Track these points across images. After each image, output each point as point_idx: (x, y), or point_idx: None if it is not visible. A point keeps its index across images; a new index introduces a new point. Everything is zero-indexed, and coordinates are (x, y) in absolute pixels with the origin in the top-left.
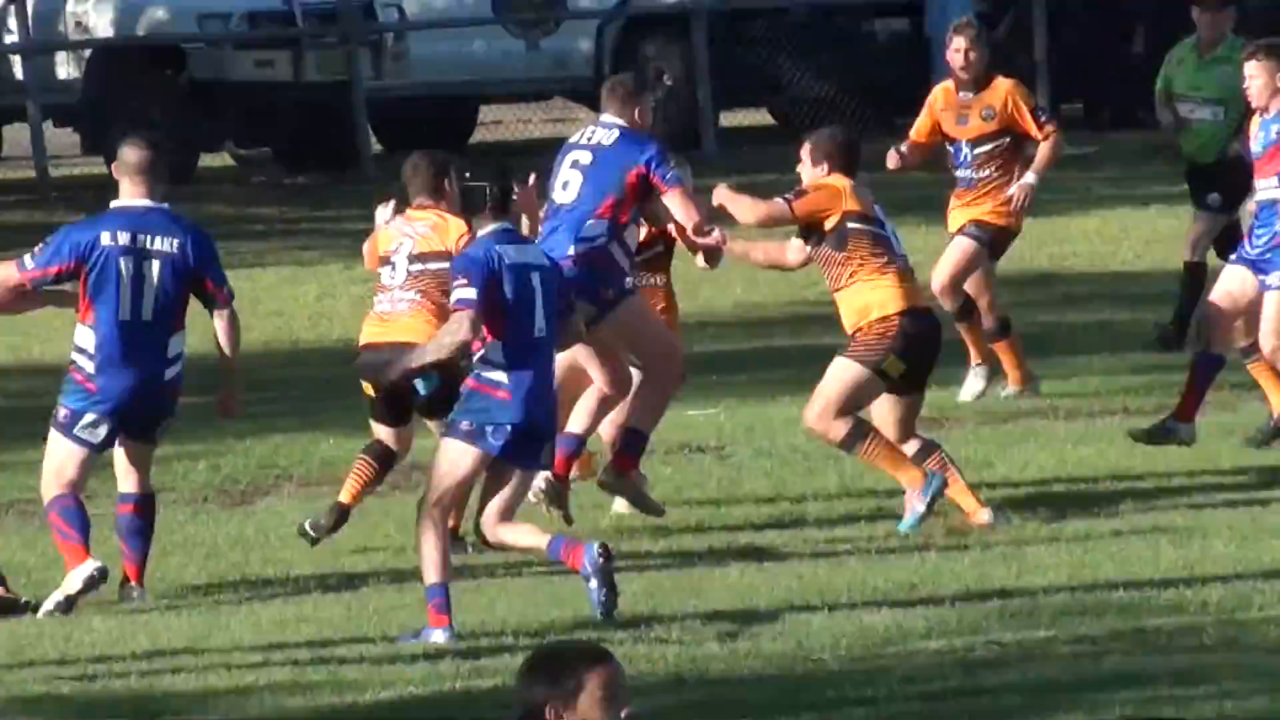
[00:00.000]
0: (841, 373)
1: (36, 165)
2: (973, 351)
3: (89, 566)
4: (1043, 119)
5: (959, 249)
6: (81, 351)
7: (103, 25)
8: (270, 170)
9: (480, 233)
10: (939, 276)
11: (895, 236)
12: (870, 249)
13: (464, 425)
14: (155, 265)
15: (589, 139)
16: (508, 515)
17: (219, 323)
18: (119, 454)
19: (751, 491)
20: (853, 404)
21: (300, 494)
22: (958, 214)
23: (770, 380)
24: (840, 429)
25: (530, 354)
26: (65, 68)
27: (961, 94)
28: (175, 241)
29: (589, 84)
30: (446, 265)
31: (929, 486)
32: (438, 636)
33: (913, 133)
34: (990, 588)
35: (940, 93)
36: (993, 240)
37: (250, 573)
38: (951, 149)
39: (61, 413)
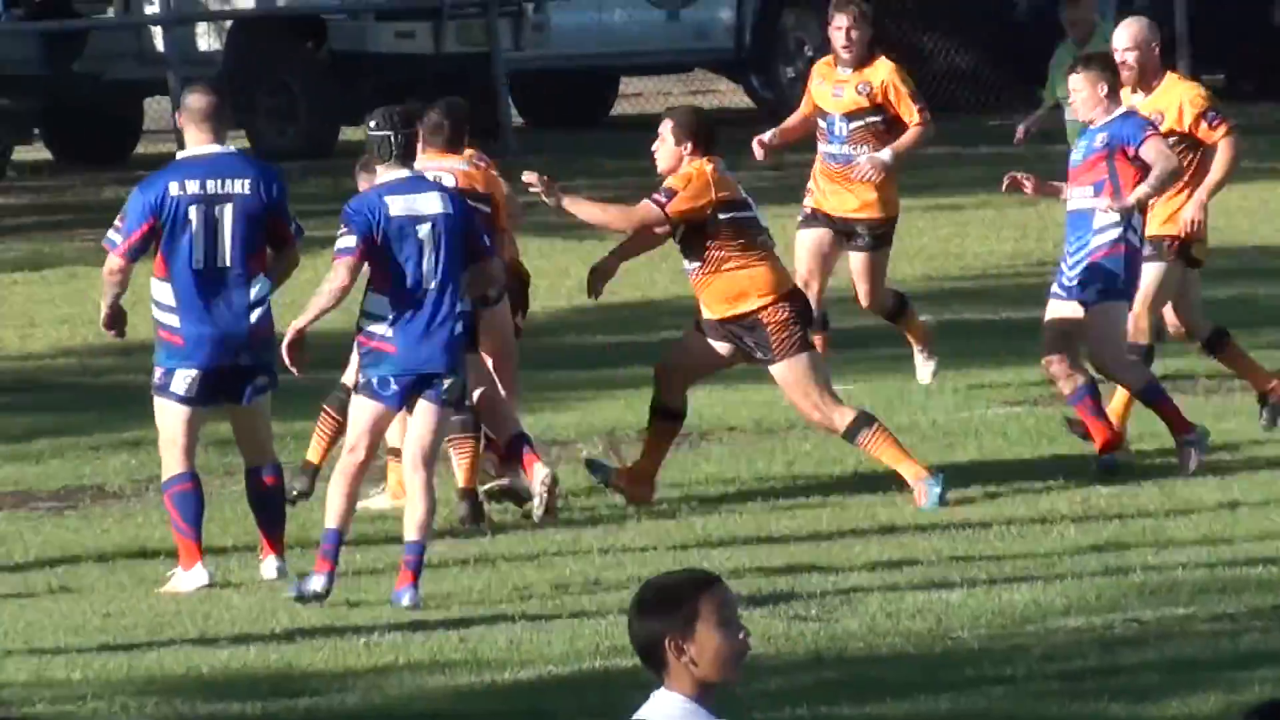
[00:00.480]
0: (794, 372)
1: (177, 139)
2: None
3: (199, 578)
4: (919, 105)
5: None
6: (162, 306)
7: None
8: None
9: (378, 180)
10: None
11: (758, 214)
12: (740, 234)
13: (361, 380)
14: (229, 209)
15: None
16: (427, 458)
17: (279, 263)
18: (235, 429)
19: (888, 467)
20: (825, 384)
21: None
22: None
23: (906, 355)
24: (844, 418)
25: (414, 305)
26: (206, 39)
27: (840, 69)
28: (246, 182)
29: (729, 55)
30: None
31: (935, 481)
32: (315, 583)
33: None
34: (1129, 564)
35: (819, 67)
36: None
37: (391, 551)
38: (824, 123)
39: (157, 374)
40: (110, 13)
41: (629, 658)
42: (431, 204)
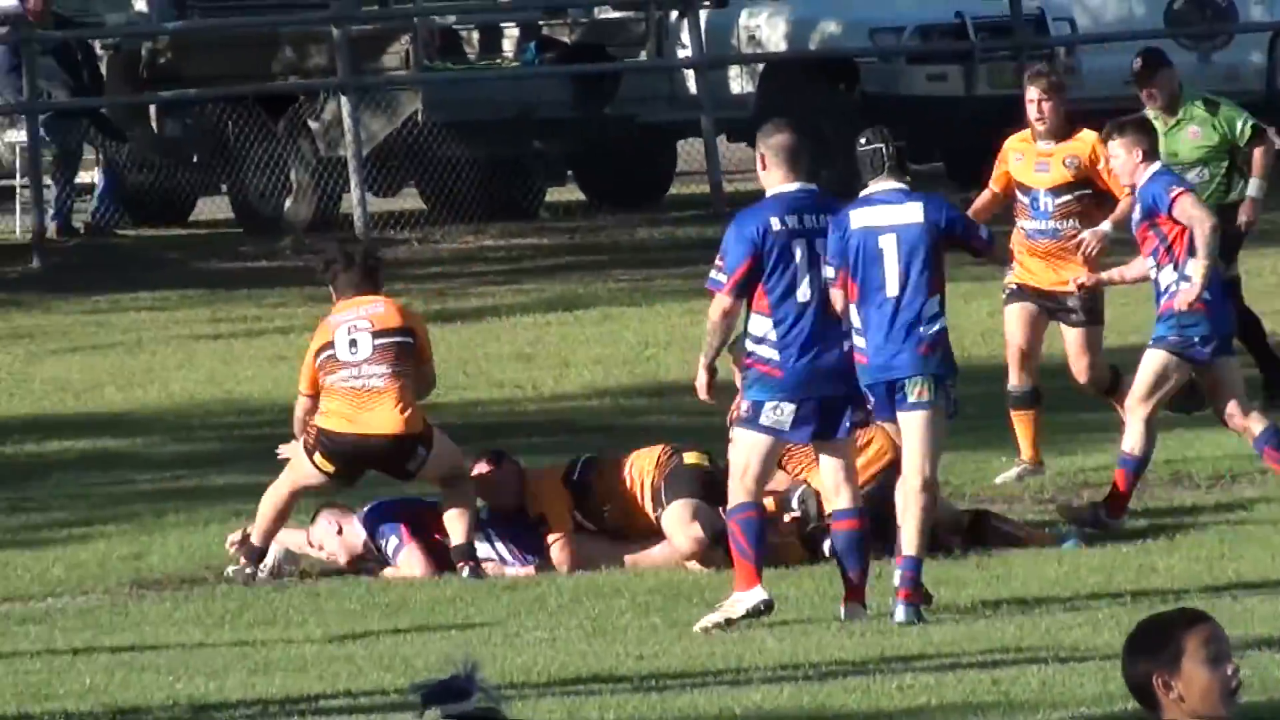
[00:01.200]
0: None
1: (711, 180)
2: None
3: (757, 596)
4: None
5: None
6: (760, 340)
7: (775, 39)
8: (942, 185)
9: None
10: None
11: None
12: None
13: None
14: (817, 244)
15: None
16: None
17: None
18: (826, 467)
19: None
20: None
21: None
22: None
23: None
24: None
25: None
26: (738, 82)
27: (1041, 143)
28: (827, 219)
29: (1259, 97)
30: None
31: None
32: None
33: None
34: None
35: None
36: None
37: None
38: (1026, 199)
39: (745, 406)
40: (643, 56)
41: None
42: (913, 214)
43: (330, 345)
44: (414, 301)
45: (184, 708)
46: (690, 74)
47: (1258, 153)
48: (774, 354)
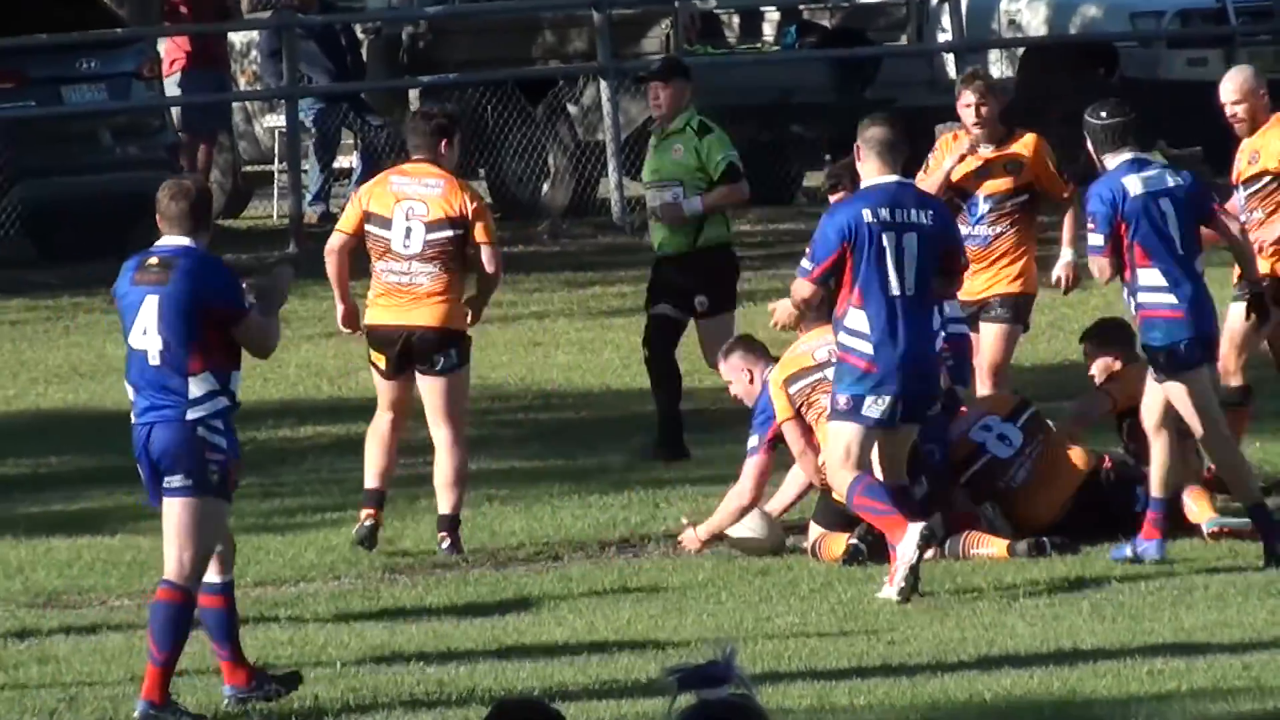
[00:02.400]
0: None
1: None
2: None
3: (915, 531)
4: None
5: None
6: (853, 333)
7: (1036, 23)
8: (1201, 170)
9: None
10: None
11: None
12: None
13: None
14: (913, 238)
15: None
16: None
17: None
18: (881, 451)
19: None
20: None
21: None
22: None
23: None
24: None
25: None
26: (998, 66)
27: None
28: (928, 212)
29: None
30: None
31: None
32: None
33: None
34: None
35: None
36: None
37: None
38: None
39: (841, 400)
40: (903, 40)
41: None
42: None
43: (387, 222)
44: None
45: (434, 692)
46: (950, 58)
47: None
48: (866, 347)
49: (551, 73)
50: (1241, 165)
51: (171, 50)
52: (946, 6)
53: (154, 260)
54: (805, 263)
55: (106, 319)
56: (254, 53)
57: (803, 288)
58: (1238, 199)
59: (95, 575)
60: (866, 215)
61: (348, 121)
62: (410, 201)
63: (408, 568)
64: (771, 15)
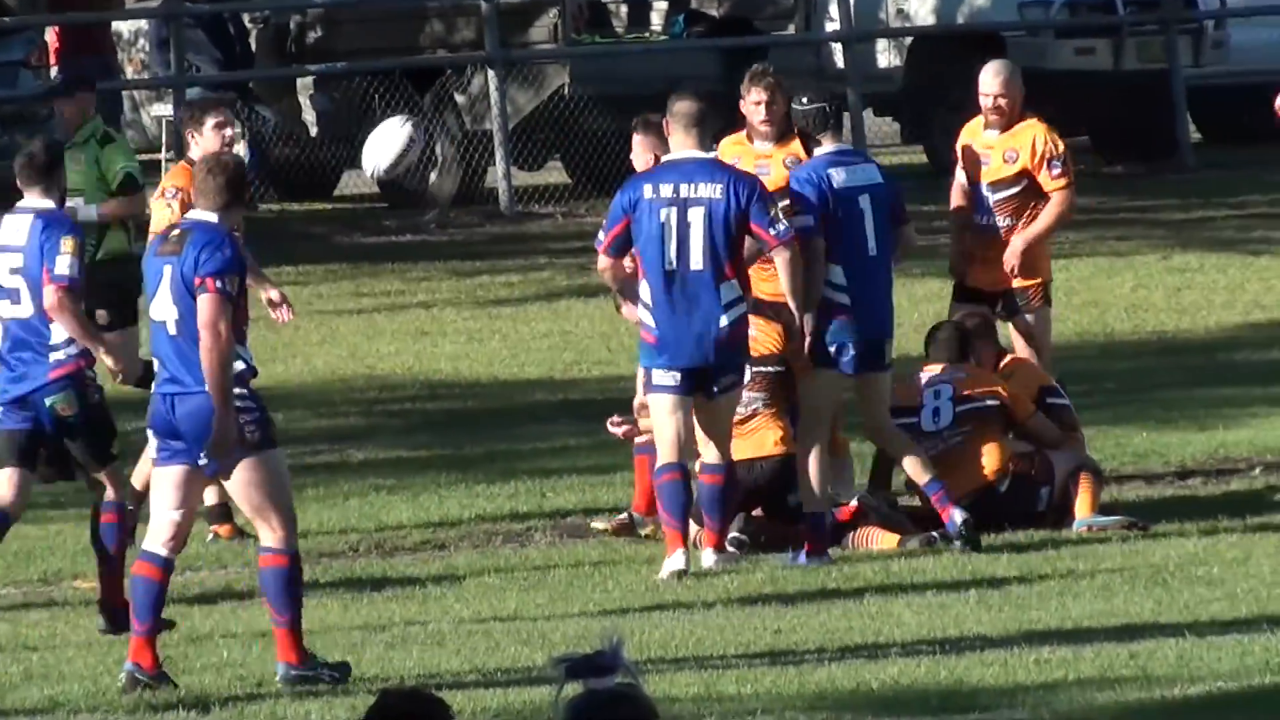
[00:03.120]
0: None
1: None
2: None
3: (676, 559)
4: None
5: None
6: (643, 306)
7: (924, 13)
8: (1088, 159)
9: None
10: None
11: None
12: None
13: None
14: (700, 213)
15: None
16: None
17: (777, 261)
18: (700, 424)
19: None
20: None
21: (1114, 486)
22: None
23: None
24: None
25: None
26: (885, 56)
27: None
28: (722, 188)
29: None
30: None
31: None
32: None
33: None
34: None
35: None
36: None
37: (1062, 564)
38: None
39: (643, 373)
40: (791, 29)
41: None
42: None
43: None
44: (557, 276)
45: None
46: (838, 48)
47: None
48: (650, 320)
49: (439, 62)
50: (994, 163)
51: (53, 39)
52: None
53: (176, 232)
54: (601, 233)
55: None
56: (141, 41)
57: (599, 260)
58: (984, 198)
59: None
60: (647, 191)
61: (235, 111)
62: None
63: None
64: (659, 4)
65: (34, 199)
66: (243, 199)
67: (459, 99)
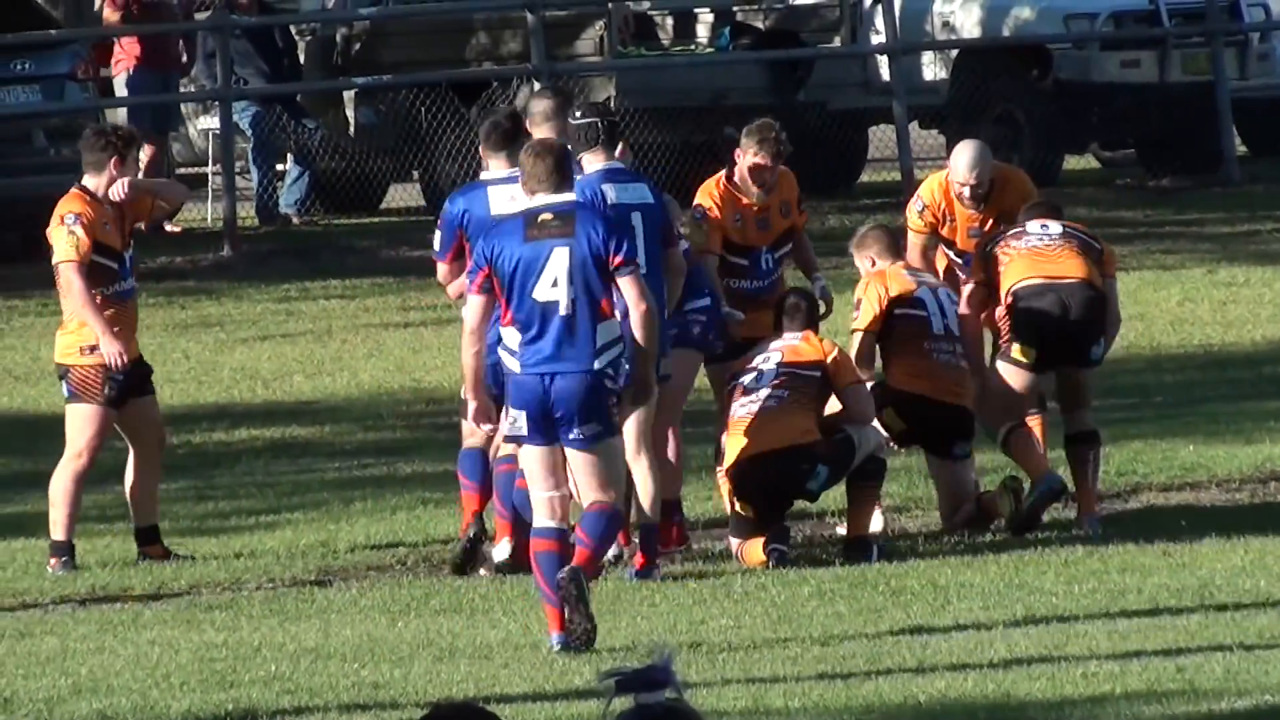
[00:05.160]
0: None
1: (902, 167)
2: None
3: (499, 549)
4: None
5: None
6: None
7: (969, 25)
8: (1134, 172)
9: (589, 167)
10: None
11: None
12: None
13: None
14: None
15: None
16: None
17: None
18: None
19: None
20: None
21: (1161, 499)
22: None
23: None
24: None
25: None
26: (931, 69)
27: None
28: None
29: None
30: None
31: None
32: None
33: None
34: None
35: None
36: None
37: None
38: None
39: None
40: (836, 42)
41: None
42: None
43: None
44: None
45: (368, 695)
46: (883, 60)
47: None
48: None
49: (485, 74)
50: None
51: (119, 50)
52: (880, 8)
53: (548, 216)
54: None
55: (41, 322)
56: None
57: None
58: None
59: (30, 578)
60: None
61: (282, 124)
62: None
63: (341, 570)
64: (706, 17)
65: (499, 168)
66: None
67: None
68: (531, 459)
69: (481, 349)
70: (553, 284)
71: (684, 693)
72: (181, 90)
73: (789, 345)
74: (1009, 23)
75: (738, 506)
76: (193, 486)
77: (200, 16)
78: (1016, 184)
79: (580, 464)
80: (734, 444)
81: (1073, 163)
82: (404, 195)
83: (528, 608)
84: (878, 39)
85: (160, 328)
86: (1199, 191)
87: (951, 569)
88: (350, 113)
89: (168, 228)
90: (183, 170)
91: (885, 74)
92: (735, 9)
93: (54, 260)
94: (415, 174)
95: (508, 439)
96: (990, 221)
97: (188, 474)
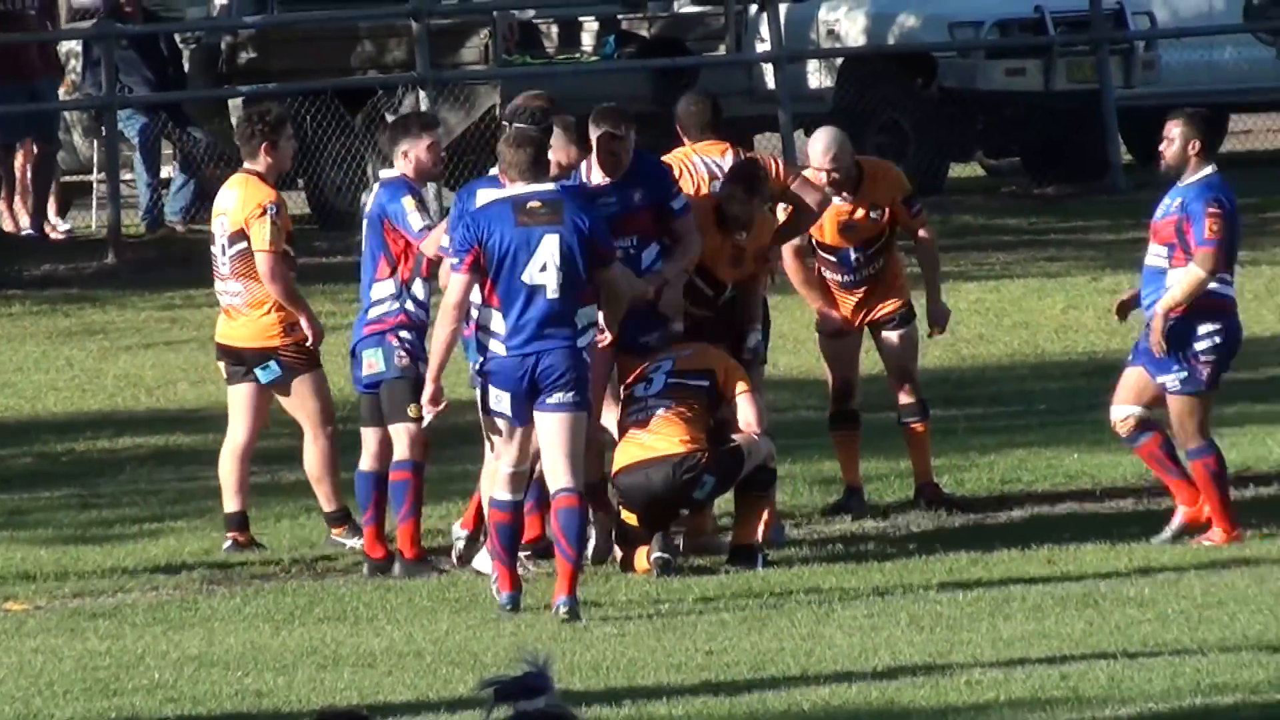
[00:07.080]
0: None
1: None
2: None
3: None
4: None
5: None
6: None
7: (855, 33)
8: (1019, 180)
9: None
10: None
11: None
12: None
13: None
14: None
15: None
16: None
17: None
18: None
19: None
20: None
21: (1045, 507)
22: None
23: None
24: None
25: None
26: (816, 76)
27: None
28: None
29: None
30: None
31: None
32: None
33: None
34: None
35: None
36: None
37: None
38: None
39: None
40: (721, 50)
41: (1228, 694)
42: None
43: (212, 239)
44: None
45: (252, 703)
46: (769, 68)
47: None
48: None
49: (370, 82)
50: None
51: None
52: (765, 16)
53: (537, 204)
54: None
55: None
56: (73, 62)
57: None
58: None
59: None
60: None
61: (167, 132)
62: (220, 216)
63: (225, 578)
64: (591, 25)
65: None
66: None
67: (390, 119)
68: (503, 433)
69: (459, 327)
70: (541, 269)
71: (560, 699)
72: (66, 98)
73: (681, 355)
74: (894, 31)
75: (624, 515)
76: (76, 494)
77: (85, 24)
78: (888, 178)
79: (554, 434)
80: (621, 453)
81: (958, 170)
82: (289, 203)
83: (411, 615)
84: (763, 47)
85: (44, 335)
86: (1084, 199)
87: (836, 576)
88: (235, 121)
89: (52, 236)
90: (67, 178)
91: (770, 82)
92: (620, 17)
93: (254, 248)
94: (300, 182)
95: (490, 414)
96: (861, 213)
97: (71, 482)
